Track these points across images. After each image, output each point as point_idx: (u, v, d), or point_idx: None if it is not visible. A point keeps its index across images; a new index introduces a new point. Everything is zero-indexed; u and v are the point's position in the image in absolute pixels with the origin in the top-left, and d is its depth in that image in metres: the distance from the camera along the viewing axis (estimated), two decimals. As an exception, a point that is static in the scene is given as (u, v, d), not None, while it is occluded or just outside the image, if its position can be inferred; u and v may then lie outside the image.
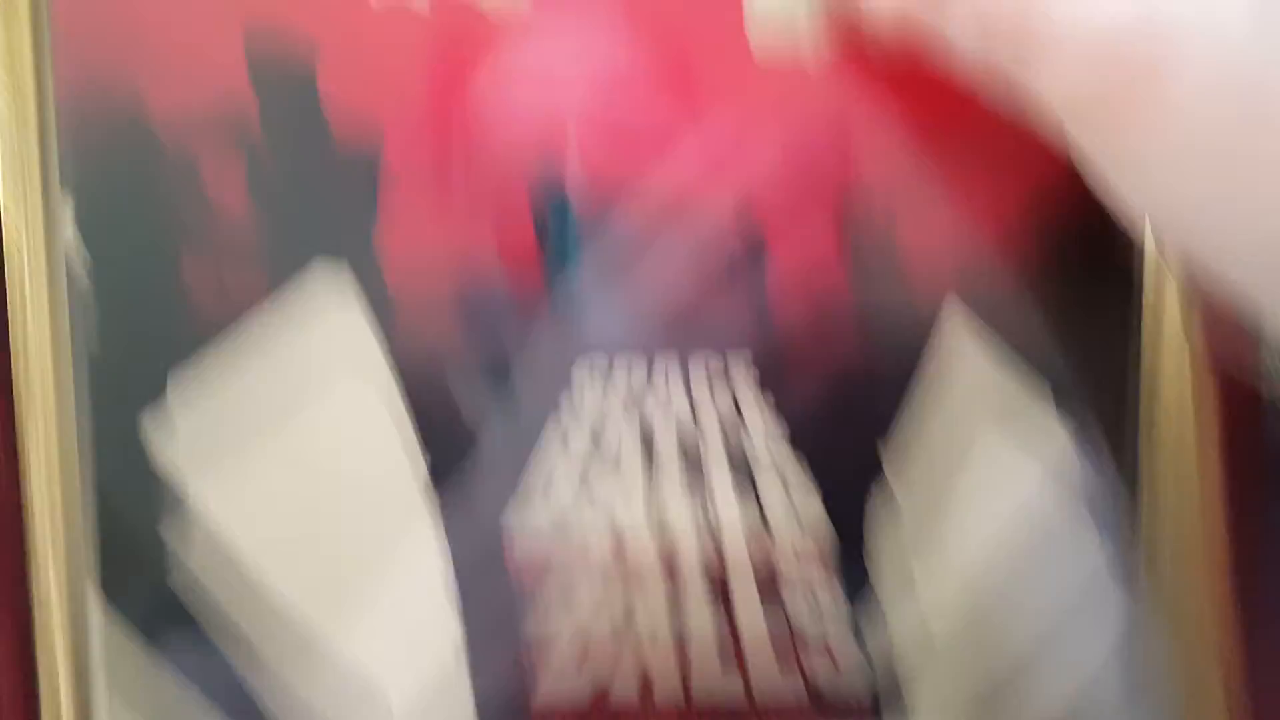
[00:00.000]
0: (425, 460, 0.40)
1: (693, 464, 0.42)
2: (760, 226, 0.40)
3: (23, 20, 0.37)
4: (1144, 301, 0.42)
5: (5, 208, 0.37)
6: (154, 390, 0.38)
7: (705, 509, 0.42)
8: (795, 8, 0.38)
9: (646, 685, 0.40)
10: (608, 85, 0.38)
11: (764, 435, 0.42)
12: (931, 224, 0.40)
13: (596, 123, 0.39)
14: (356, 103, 0.38)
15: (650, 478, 0.42)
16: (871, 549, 0.42)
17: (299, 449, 0.40)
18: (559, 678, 0.41)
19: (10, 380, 0.38)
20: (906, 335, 0.42)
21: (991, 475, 0.42)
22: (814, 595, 0.42)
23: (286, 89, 0.38)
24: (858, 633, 0.41)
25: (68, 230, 0.38)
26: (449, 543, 0.41)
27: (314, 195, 0.38)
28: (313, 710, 0.40)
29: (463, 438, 0.41)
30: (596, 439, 0.42)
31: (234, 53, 0.38)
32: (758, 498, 0.41)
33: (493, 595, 0.41)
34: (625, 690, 0.40)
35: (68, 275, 0.38)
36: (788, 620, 0.41)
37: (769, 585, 0.41)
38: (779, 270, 0.41)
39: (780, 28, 0.39)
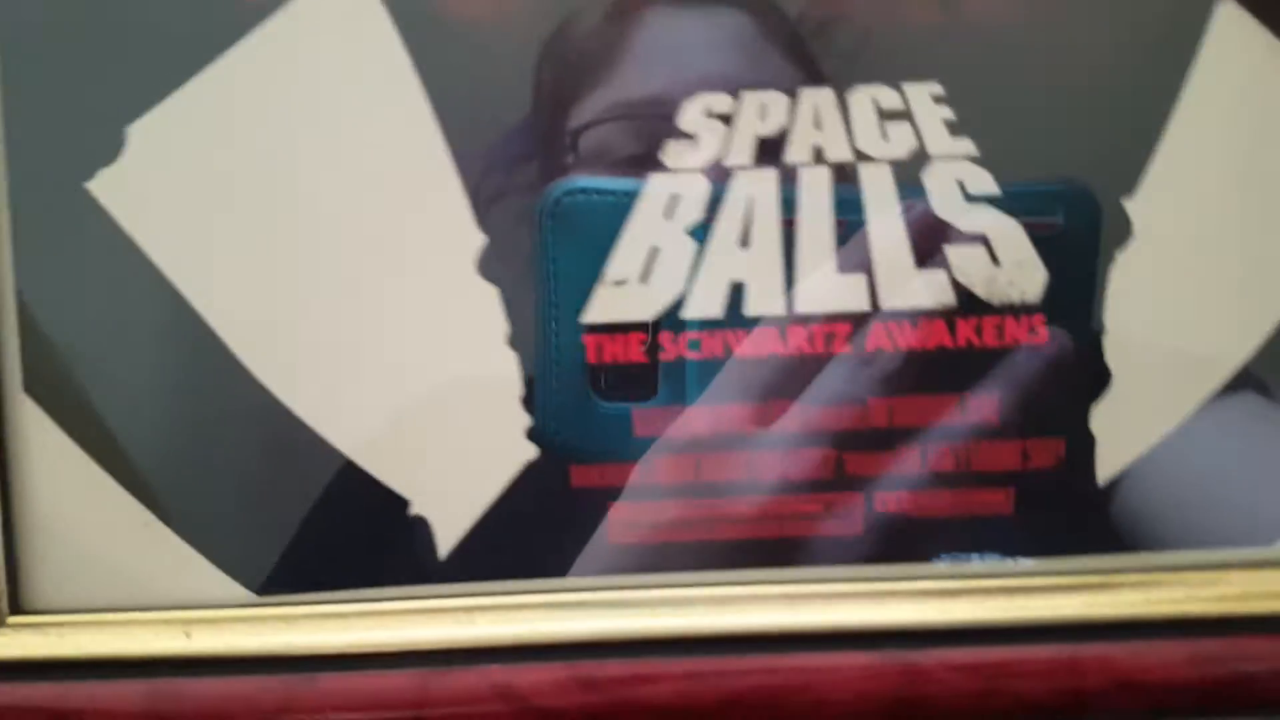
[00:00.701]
0: (467, 220, 0.28)
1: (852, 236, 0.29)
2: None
3: None
4: None
5: None
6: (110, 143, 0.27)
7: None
8: None
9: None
10: None
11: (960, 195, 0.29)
12: None
13: None
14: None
15: (790, 253, 0.28)
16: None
17: (315, 209, 0.28)
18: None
19: None
20: (1158, 46, 0.29)
21: None
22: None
23: None
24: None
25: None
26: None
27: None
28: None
29: (517, 208, 0.29)
30: (715, 203, 0.29)
31: None
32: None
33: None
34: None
35: None
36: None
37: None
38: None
39: None
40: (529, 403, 0.30)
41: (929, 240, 0.30)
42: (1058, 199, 0.30)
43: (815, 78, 0.30)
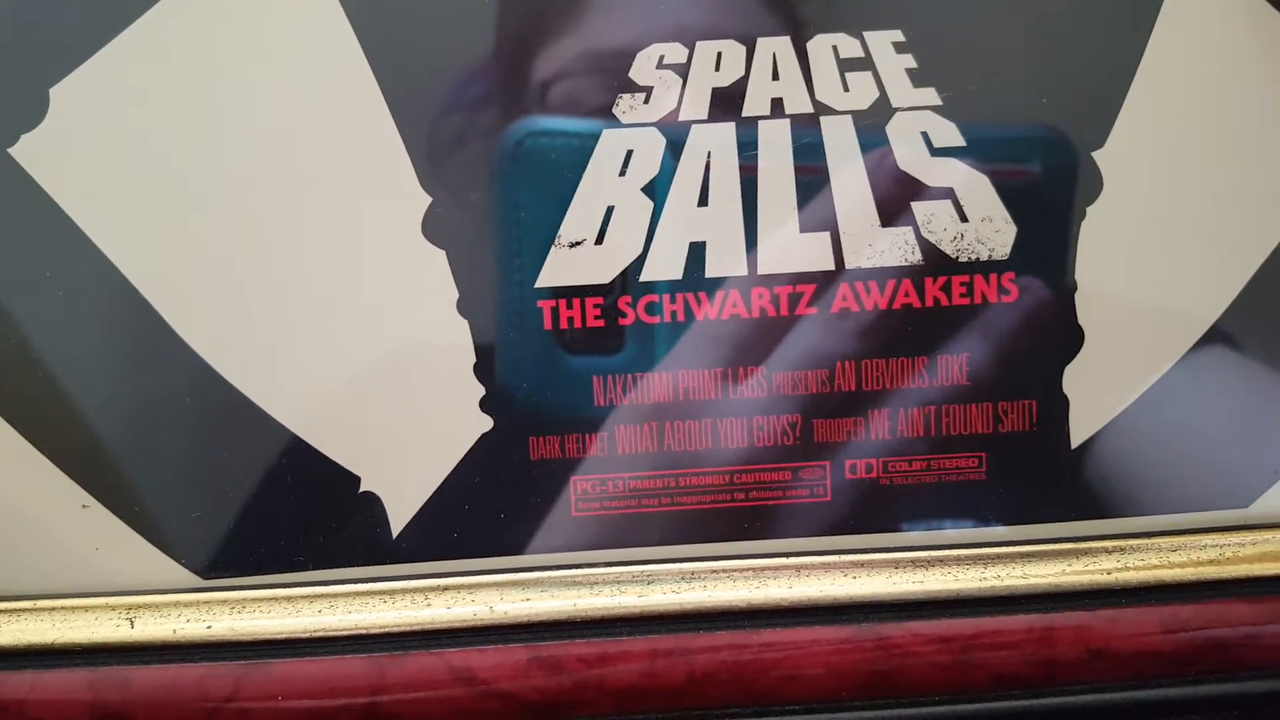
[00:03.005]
0: (409, 176, 0.27)
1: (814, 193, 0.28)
2: None
3: None
4: None
5: None
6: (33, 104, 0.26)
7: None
8: None
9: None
10: None
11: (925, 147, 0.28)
12: None
13: None
14: None
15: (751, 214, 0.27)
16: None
17: (250, 164, 0.27)
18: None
19: None
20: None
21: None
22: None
23: None
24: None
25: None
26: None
27: None
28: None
29: (469, 166, 0.27)
30: (673, 161, 0.28)
31: None
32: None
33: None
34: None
35: None
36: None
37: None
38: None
39: None
40: (482, 371, 0.29)
41: (896, 196, 0.29)
42: (1031, 144, 0.29)
43: (785, 26, 0.28)
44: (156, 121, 0.28)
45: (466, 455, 0.29)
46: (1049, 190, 0.29)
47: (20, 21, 0.28)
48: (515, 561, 0.29)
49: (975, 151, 0.29)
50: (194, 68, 0.28)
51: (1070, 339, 0.29)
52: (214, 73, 0.28)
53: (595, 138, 0.28)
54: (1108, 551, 0.29)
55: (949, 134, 0.29)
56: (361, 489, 0.29)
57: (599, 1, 0.28)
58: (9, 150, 0.28)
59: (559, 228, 0.28)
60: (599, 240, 0.29)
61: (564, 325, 0.29)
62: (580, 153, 0.28)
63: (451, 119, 0.28)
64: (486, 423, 0.29)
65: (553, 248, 0.28)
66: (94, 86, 0.28)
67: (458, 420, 0.29)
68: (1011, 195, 0.29)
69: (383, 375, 0.29)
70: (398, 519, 0.29)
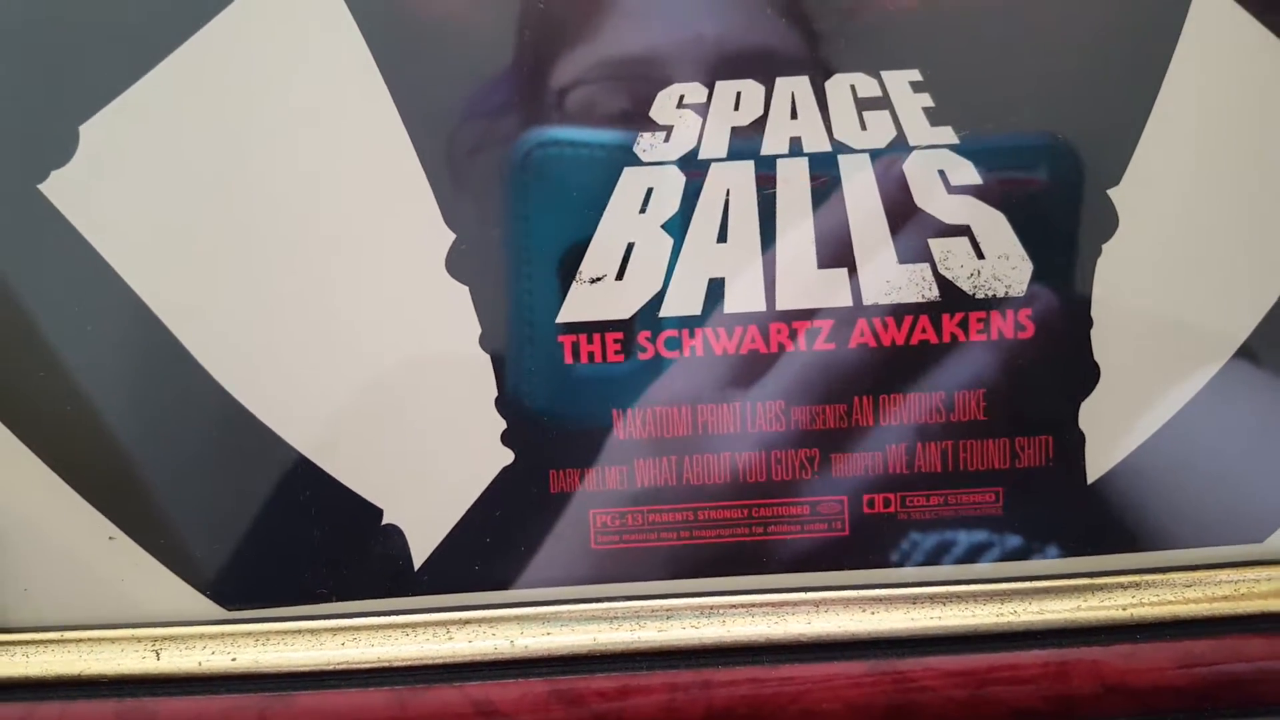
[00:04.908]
0: (431, 207, 0.28)
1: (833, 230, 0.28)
2: None
3: None
4: None
5: None
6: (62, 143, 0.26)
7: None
8: None
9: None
10: None
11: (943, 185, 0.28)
12: None
13: None
14: None
15: (770, 245, 0.28)
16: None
17: (271, 198, 0.27)
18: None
19: None
20: (1134, 37, 0.29)
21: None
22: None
23: None
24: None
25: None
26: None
27: None
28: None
29: (491, 203, 0.28)
30: (693, 196, 0.28)
31: None
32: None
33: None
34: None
35: None
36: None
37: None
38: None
39: None
40: (503, 405, 0.29)
41: (913, 232, 0.29)
42: (1040, 153, 0.29)
43: (799, 45, 0.29)
44: (183, 158, 0.29)
45: (488, 488, 0.29)
46: (1065, 228, 0.29)
47: (51, 61, 0.28)
48: (536, 594, 0.30)
49: (990, 191, 0.29)
50: (219, 107, 0.28)
51: (1087, 375, 0.29)
52: (239, 112, 0.28)
53: (605, 148, 0.28)
54: (1123, 587, 0.29)
55: (966, 172, 0.29)
56: (384, 521, 0.29)
57: (617, 39, 0.29)
58: (39, 186, 0.29)
59: (580, 261, 0.29)
60: (619, 276, 0.29)
61: (584, 359, 0.29)
62: (590, 163, 0.28)
63: (474, 158, 0.29)
64: (508, 456, 0.29)
65: (574, 283, 0.29)
66: (122, 124, 0.28)
67: (479, 453, 0.29)
68: (1028, 232, 0.29)
69: (406, 409, 0.29)
70: (419, 552, 0.30)
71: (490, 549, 0.30)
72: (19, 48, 0.28)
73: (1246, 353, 0.30)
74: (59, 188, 0.29)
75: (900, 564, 0.30)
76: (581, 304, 0.29)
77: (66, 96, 0.28)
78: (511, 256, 0.29)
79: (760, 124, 0.29)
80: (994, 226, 0.29)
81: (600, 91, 0.29)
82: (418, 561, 0.30)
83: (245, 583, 0.30)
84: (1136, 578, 0.30)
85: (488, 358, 0.29)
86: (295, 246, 0.29)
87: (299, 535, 0.30)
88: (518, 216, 0.28)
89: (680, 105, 0.29)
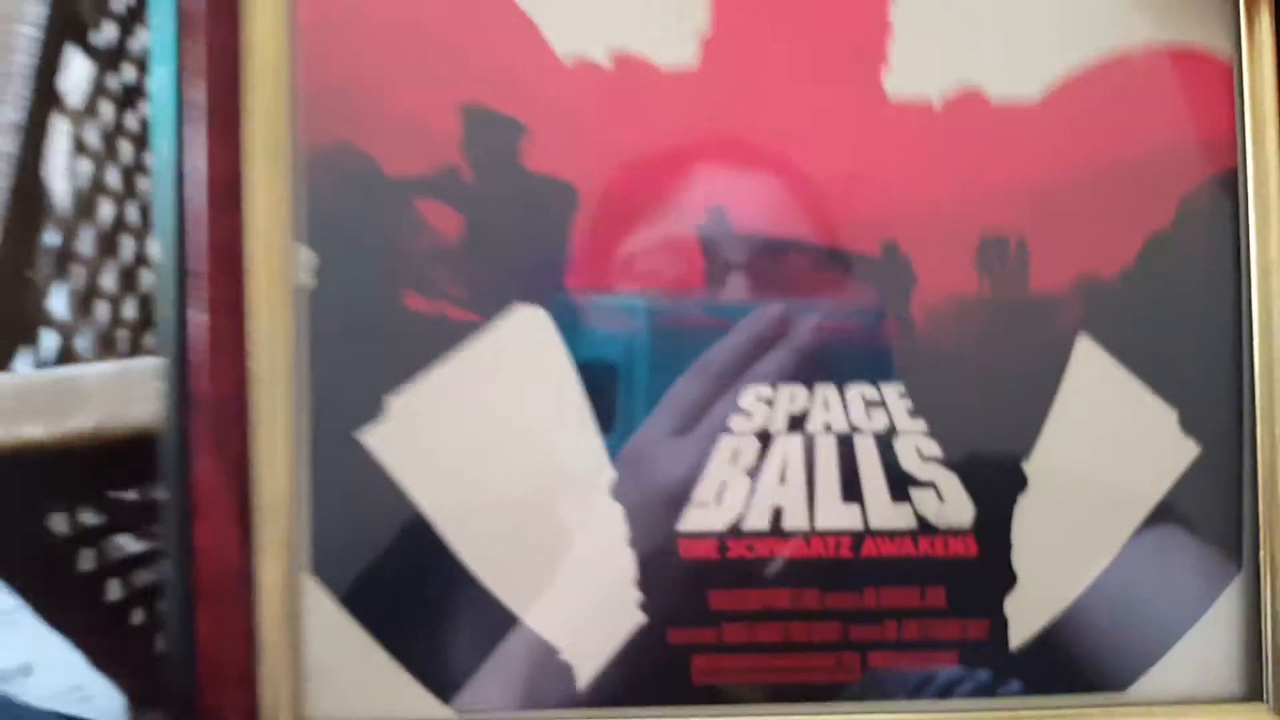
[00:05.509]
0: (609, 471, 0.44)
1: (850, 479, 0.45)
2: (908, 259, 0.46)
3: (279, 102, 0.44)
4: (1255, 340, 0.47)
5: (254, 257, 0.44)
6: (376, 407, 0.43)
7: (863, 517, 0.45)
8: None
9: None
10: (762, 132, 0.47)
11: (917, 452, 0.46)
12: (1060, 259, 0.47)
13: (755, 170, 0.47)
14: (554, 163, 0.46)
15: (811, 490, 0.45)
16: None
17: (511, 465, 0.45)
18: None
19: (248, 400, 0.43)
20: (1040, 368, 0.47)
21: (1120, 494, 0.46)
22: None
23: (495, 154, 0.46)
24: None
25: (305, 273, 0.45)
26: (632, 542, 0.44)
27: (516, 241, 0.46)
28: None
29: (642, 452, 0.45)
30: (763, 456, 0.45)
31: (451, 123, 0.46)
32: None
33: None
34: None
35: (305, 310, 0.45)
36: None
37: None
38: (924, 302, 0.46)
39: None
40: (641, 584, 0.45)
41: (900, 484, 0.46)
42: (984, 456, 0.47)
43: (832, 368, 0.46)
44: (458, 428, 0.45)
45: (627, 640, 0.45)
46: (996, 484, 0.47)
47: (363, 350, 0.45)
48: (647, 712, 0.45)
49: (950, 458, 0.47)
50: (488, 390, 0.45)
51: (1010, 578, 0.47)
52: (488, 401, 0.45)
53: None
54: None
55: (933, 448, 0.47)
56: (560, 657, 0.45)
57: (693, 204, 0.46)
58: (354, 435, 0.45)
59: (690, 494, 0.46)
60: (717, 503, 0.46)
61: (696, 556, 0.46)
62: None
63: (553, 272, 0.46)
64: (642, 618, 0.45)
65: (688, 506, 0.46)
66: (423, 399, 0.45)
67: (622, 617, 0.45)
68: (972, 486, 0.47)
69: (589, 595, 0.45)
70: (583, 674, 0.45)
71: (624, 680, 0.45)
72: (350, 348, 0.45)
73: (1108, 574, 0.47)
74: (371, 437, 0.45)
75: (893, 698, 0.46)
76: (693, 519, 0.46)
77: (381, 377, 0.45)
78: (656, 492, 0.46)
79: (806, 412, 0.47)
80: (950, 483, 0.46)
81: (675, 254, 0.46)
82: (582, 682, 0.45)
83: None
84: (1040, 714, 0.46)
85: (633, 554, 0.46)
86: (524, 488, 0.45)
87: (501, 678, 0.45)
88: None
89: (757, 399, 0.47)
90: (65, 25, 0.61)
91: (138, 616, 0.66)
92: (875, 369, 0.45)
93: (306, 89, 0.44)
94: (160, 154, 0.42)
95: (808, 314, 0.45)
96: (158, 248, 0.41)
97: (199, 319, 0.41)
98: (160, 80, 0.42)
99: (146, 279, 0.73)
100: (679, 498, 0.45)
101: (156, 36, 0.42)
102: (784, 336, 0.44)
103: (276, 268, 0.44)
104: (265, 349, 0.43)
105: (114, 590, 0.63)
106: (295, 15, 0.44)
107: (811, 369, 0.45)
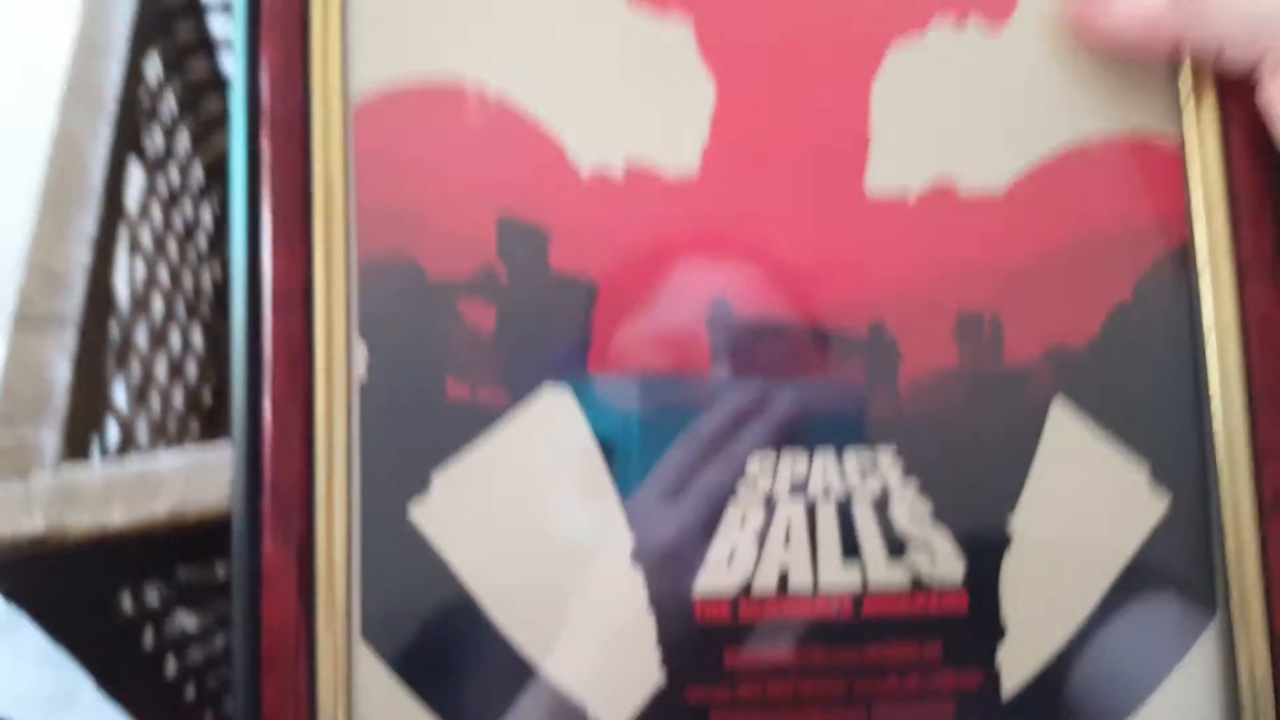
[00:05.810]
0: (630, 538, 0.49)
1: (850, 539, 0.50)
2: (894, 338, 0.52)
3: (337, 214, 0.51)
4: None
5: (317, 349, 0.50)
6: (422, 485, 0.48)
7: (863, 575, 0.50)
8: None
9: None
10: (757, 231, 0.53)
11: (910, 513, 0.51)
12: (1031, 332, 0.51)
13: (753, 264, 0.53)
14: (576, 263, 0.52)
15: (814, 550, 0.50)
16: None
17: (542, 533, 0.50)
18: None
19: (312, 478, 0.49)
20: (1018, 432, 0.51)
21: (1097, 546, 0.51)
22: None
23: (526, 257, 0.52)
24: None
25: (361, 367, 0.51)
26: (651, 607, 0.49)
27: (543, 332, 0.51)
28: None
29: (660, 519, 0.50)
30: (769, 519, 0.50)
31: (488, 233, 0.52)
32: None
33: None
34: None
35: (359, 399, 0.50)
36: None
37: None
38: (910, 376, 0.51)
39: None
40: (660, 647, 0.50)
41: (895, 543, 0.51)
42: (969, 513, 0.51)
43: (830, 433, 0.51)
44: (505, 506, 0.50)
45: (650, 698, 0.50)
46: (983, 541, 0.51)
47: (410, 433, 0.51)
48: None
49: (940, 518, 0.51)
50: (520, 463, 0.50)
51: (1000, 630, 0.51)
52: (522, 481, 0.50)
53: None
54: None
55: (925, 508, 0.51)
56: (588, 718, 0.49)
57: (677, 296, 0.51)
58: (402, 508, 0.50)
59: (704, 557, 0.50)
60: (728, 565, 0.51)
61: (707, 617, 0.50)
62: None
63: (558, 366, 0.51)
64: (662, 679, 0.50)
65: (701, 568, 0.50)
66: (463, 475, 0.51)
67: (644, 677, 0.50)
68: (962, 543, 0.51)
69: (613, 654, 0.49)
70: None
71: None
72: (396, 424, 0.51)
73: (1097, 613, 0.51)
74: (415, 510, 0.50)
75: (896, 743, 0.50)
76: (706, 580, 0.50)
77: (427, 452, 0.51)
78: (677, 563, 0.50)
79: (807, 478, 0.52)
80: (943, 540, 0.51)
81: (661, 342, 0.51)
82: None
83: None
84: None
85: (653, 619, 0.50)
86: (561, 559, 0.50)
87: None
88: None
89: (761, 467, 0.51)
90: (128, 140, 0.68)
91: (190, 692, 0.71)
92: (869, 437, 0.50)
93: (363, 207, 0.50)
94: (236, 263, 0.48)
95: (802, 389, 0.50)
96: (235, 345, 0.47)
97: (268, 410, 0.46)
98: (237, 200, 0.48)
99: (191, 369, 0.80)
100: (683, 560, 0.49)
101: (235, 166, 0.49)
102: (775, 409, 0.49)
103: (337, 363, 0.49)
104: (324, 436, 0.48)
105: (171, 667, 0.68)
106: (353, 143, 0.50)
107: (808, 437, 0.50)
